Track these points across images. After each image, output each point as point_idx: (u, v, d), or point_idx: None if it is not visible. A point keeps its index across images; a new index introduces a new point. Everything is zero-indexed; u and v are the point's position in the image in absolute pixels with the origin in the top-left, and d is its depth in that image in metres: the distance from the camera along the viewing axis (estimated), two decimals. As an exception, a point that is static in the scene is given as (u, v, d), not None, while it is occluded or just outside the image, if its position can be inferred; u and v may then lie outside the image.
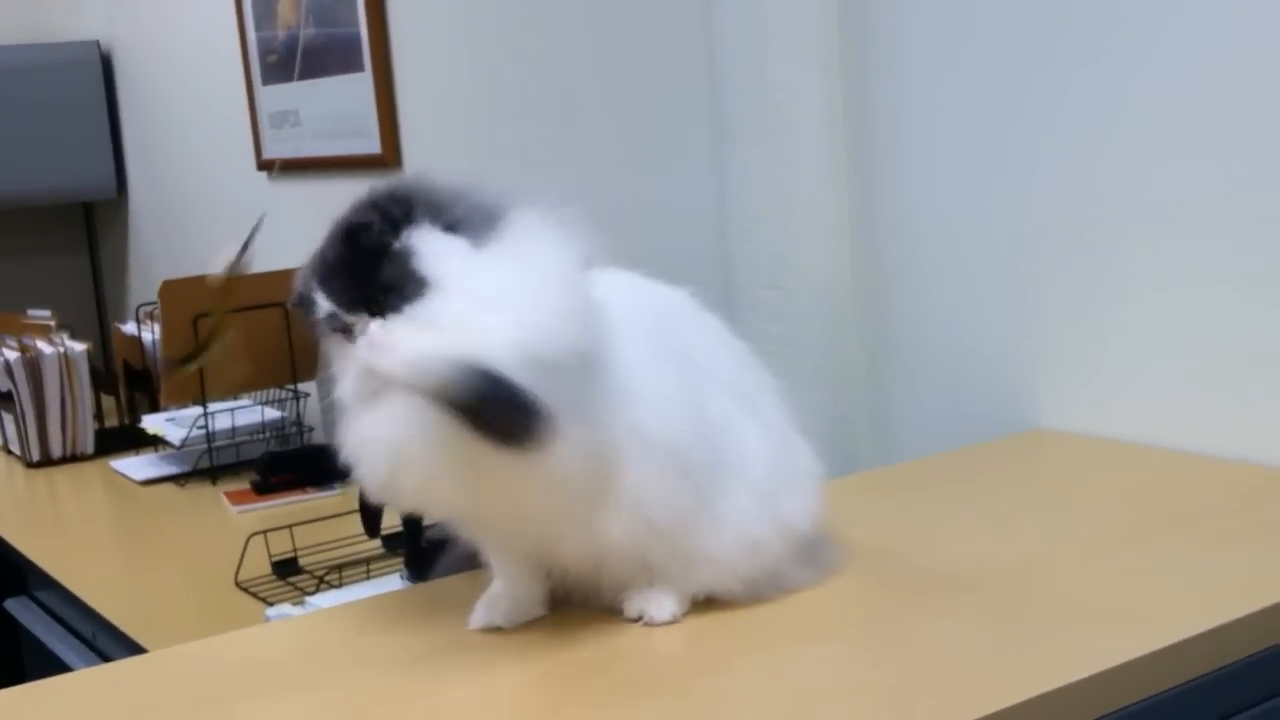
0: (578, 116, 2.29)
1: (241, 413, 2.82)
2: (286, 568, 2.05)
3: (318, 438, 2.91)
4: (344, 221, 1.00)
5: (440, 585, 1.26)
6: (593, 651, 1.06)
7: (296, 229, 3.15)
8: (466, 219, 1.00)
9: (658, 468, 1.03)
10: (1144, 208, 1.51)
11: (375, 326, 0.98)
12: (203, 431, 2.74)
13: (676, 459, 1.04)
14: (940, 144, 1.72)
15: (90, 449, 3.01)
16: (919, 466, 1.61)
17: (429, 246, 0.98)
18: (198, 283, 2.86)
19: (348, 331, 1.00)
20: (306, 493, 2.56)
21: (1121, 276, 1.54)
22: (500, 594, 1.11)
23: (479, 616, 1.11)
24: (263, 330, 2.75)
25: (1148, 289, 1.52)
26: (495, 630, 1.10)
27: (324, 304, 1.00)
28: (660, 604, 1.09)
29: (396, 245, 0.98)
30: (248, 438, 2.81)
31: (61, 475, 2.93)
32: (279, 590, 1.99)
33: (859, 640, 1.07)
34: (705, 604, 1.11)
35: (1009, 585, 1.15)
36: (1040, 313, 1.64)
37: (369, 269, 0.98)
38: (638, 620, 1.09)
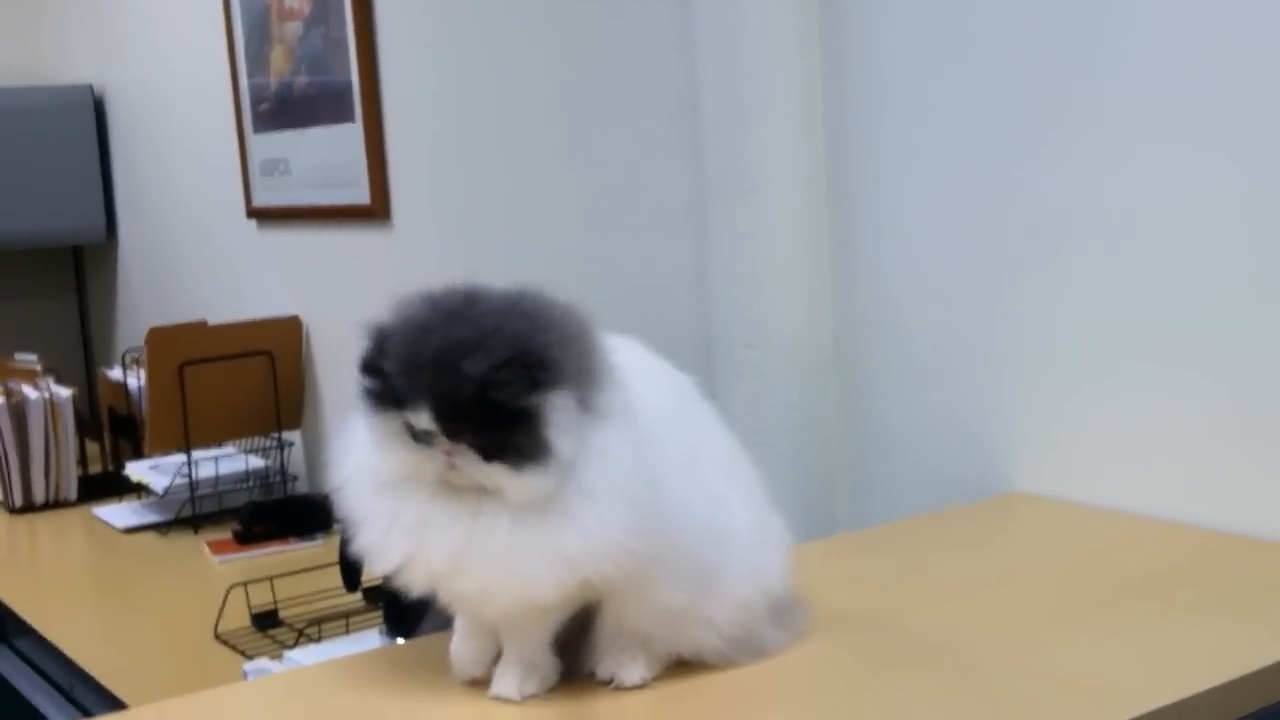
0: (565, 175, 2.31)
1: (225, 461, 2.83)
2: (266, 620, 2.05)
3: (301, 487, 2.92)
4: (478, 368, 0.98)
5: (418, 643, 1.26)
6: (567, 715, 1.07)
7: (284, 277, 3.16)
8: (577, 375, 1.02)
9: (678, 572, 1.07)
10: (1118, 278, 1.53)
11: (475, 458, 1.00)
12: (186, 480, 2.75)
13: (695, 564, 1.08)
14: (919, 206, 1.74)
15: (73, 495, 3.01)
16: (893, 530, 1.62)
17: (558, 417, 1.00)
18: (184, 330, 2.88)
19: (426, 437, 1.01)
20: (289, 543, 2.56)
21: (1096, 345, 1.56)
22: (529, 665, 1.10)
23: (510, 687, 1.09)
24: (247, 379, 2.76)
25: (1121, 358, 1.54)
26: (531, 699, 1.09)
27: (421, 420, 1.00)
28: (631, 668, 1.10)
29: (531, 408, 0.99)
30: (231, 486, 2.81)
31: (43, 522, 2.92)
32: (258, 643, 1.99)
33: (827, 708, 1.08)
34: (675, 668, 1.12)
35: (978, 653, 1.16)
36: (1016, 377, 1.66)
37: (497, 424, 0.99)
38: (609, 683, 1.10)
